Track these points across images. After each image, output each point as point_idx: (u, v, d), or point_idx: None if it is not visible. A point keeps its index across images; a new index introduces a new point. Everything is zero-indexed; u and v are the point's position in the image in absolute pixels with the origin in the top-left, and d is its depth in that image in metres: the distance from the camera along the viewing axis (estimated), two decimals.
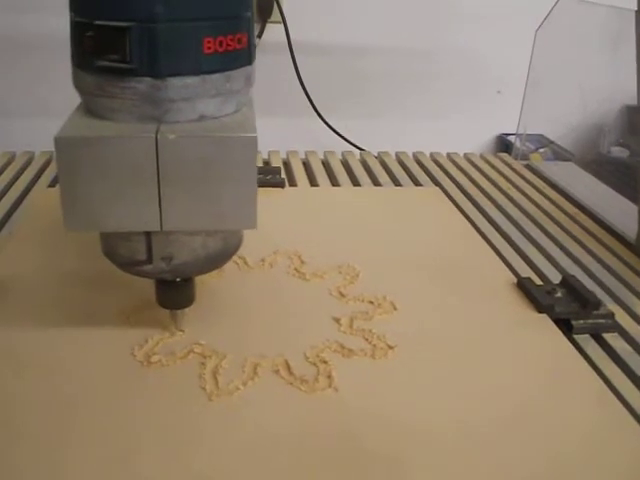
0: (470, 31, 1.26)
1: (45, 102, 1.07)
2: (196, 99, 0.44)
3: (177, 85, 0.43)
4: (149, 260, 0.48)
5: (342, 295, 0.59)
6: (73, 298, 0.58)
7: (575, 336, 0.57)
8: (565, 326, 0.58)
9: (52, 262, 0.63)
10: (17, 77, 1.09)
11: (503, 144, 1.32)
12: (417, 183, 0.91)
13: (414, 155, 1.02)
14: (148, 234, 0.47)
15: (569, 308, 0.59)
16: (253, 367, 0.50)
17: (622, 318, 0.60)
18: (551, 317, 0.58)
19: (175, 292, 0.51)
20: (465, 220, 0.77)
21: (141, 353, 0.51)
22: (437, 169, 0.97)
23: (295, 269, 0.63)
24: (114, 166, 0.43)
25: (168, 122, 0.44)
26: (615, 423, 0.47)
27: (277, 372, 0.50)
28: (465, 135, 1.28)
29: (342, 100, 1.26)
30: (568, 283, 0.61)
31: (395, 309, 0.58)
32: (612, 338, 0.58)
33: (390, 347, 0.53)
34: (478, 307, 0.59)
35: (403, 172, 0.95)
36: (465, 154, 1.04)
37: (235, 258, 0.63)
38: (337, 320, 0.56)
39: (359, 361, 0.51)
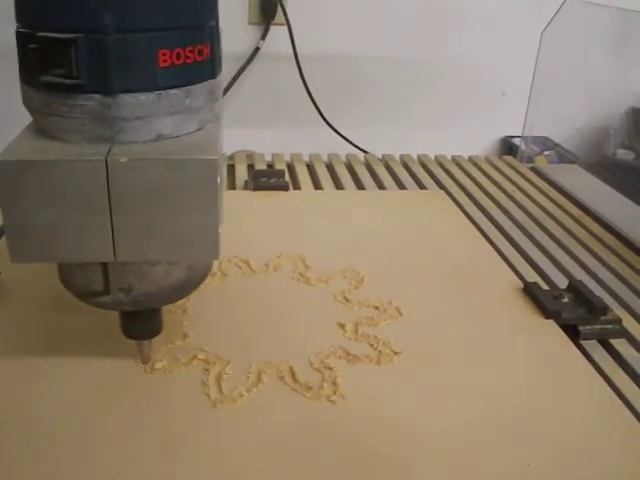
0: (475, 34, 1.25)
1: None
2: (152, 117, 0.40)
3: (130, 102, 0.39)
4: (106, 291, 0.44)
5: (347, 300, 0.59)
6: (76, 302, 0.57)
7: (582, 342, 0.57)
8: (572, 332, 0.57)
9: (51, 266, 0.62)
10: None
11: (507, 146, 1.31)
12: (422, 186, 0.90)
13: (419, 158, 1.02)
14: (104, 264, 0.44)
15: (576, 314, 0.58)
16: (257, 373, 0.49)
17: (630, 324, 0.59)
18: (558, 323, 0.57)
19: (139, 323, 0.48)
20: (470, 223, 0.77)
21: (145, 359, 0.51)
22: (442, 172, 0.96)
23: (300, 273, 0.62)
24: (62, 192, 0.39)
25: (122, 142, 0.40)
26: (622, 428, 0.47)
27: (282, 379, 0.49)
28: (469, 138, 1.27)
29: (345, 105, 1.25)
30: (575, 288, 0.61)
31: (400, 314, 0.57)
32: (619, 344, 0.57)
33: (395, 353, 0.52)
34: (484, 312, 0.59)
35: (408, 175, 0.94)
36: (470, 157, 1.03)
37: (239, 262, 0.63)
38: (342, 326, 0.55)
39: (364, 367, 0.51)
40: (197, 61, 0.41)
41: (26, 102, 0.42)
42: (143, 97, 0.39)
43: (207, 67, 0.42)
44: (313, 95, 1.22)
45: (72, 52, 0.37)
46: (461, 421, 0.46)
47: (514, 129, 1.22)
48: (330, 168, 0.96)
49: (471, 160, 1.03)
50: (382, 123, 1.25)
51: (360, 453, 0.43)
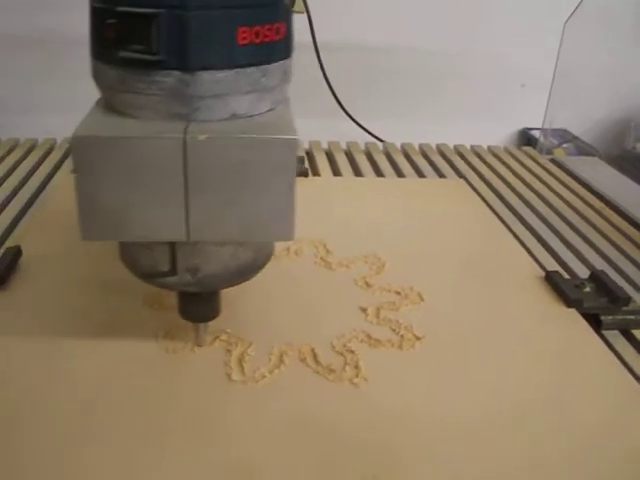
0: (494, 25, 1.24)
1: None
2: (229, 96, 0.40)
3: (208, 80, 0.39)
4: (173, 272, 0.44)
5: (368, 285, 0.59)
6: (96, 283, 0.57)
7: (604, 332, 0.57)
8: (594, 321, 0.57)
9: (76, 246, 0.63)
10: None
11: (525, 138, 1.30)
12: (441, 175, 0.90)
13: (437, 147, 1.02)
14: (172, 244, 0.43)
15: (598, 303, 0.58)
16: (279, 355, 0.49)
17: None
18: (579, 312, 0.57)
19: (199, 304, 0.48)
20: (491, 212, 0.77)
21: (166, 340, 0.51)
22: (461, 161, 0.96)
23: (321, 258, 0.62)
24: (137, 169, 0.39)
25: (197, 121, 0.40)
26: None
27: (304, 361, 0.49)
28: (488, 129, 1.26)
29: (365, 95, 1.25)
30: (597, 278, 0.61)
31: (422, 300, 0.57)
32: None
33: (417, 338, 0.52)
34: (505, 299, 0.59)
35: (427, 164, 0.94)
36: (489, 147, 1.03)
37: None
38: (364, 310, 0.55)
39: (386, 352, 0.51)
40: (274, 40, 0.40)
41: (98, 79, 0.42)
42: (221, 75, 0.39)
43: (282, 46, 0.42)
44: (332, 85, 1.21)
45: (153, 27, 0.37)
46: (481, 405, 0.46)
47: (533, 121, 1.22)
48: (349, 156, 0.96)
49: (490, 150, 1.02)
50: (401, 114, 1.24)
51: (380, 434, 0.43)
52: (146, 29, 0.37)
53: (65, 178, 0.81)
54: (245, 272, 0.46)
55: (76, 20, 0.97)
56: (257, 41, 0.39)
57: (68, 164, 0.87)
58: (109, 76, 0.40)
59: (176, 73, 0.38)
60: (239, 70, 0.39)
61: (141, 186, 0.40)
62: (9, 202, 0.75)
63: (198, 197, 0.40)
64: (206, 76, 0.39)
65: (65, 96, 1.08)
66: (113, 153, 0.39)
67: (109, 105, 0.42)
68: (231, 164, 0.39)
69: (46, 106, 1.08)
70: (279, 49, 0.41)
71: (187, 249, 0.43)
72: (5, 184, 0.80)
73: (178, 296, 0.48)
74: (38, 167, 0.86)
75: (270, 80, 0.41)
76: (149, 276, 0.45)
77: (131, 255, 0.46)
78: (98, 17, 0.39)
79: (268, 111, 0.43)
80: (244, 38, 0.39)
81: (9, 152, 0.90)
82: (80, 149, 0.39)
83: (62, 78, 1.06)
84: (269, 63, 0.41)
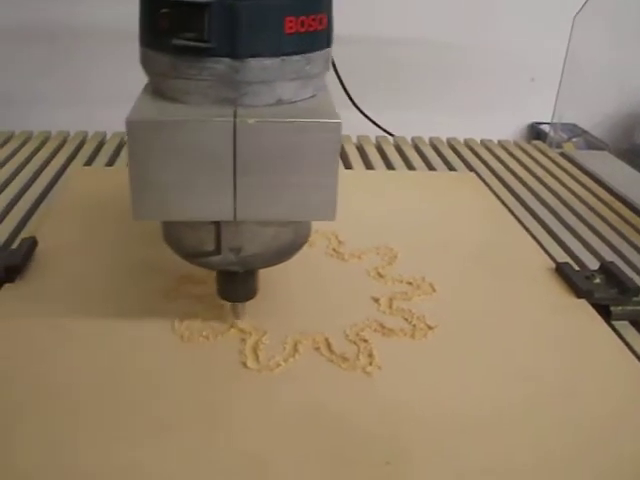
0: (504, 19, 1.25)
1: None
2: (275, 82, 0.42)
3: (256, 67, 0.41)
4: (217, 251, 0.46)
5: (380, 276, 0.59)
6: (112, 272, 0.58)
7: (614, 322, 0.57)
8: (604, 312, 0.57)
9: (91, 236, 0.64)
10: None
11: (535, 132, 1.31)
12: (451, 168, 0.91)
13: (448, 141, 1.02)
14: (218, 224, 0.45)
15: (608, 294, 0.59)
16: (294, 344, 0.50)
17: None
18: (590, 303, 0.58)
19: (239, 284, 0.50)
20: (501, 205, 0.77)
21: (181, 328, 0.51)
22: (471, 155, 0.97)
23: (333, 249, 0.63)
24: (188, 152, 0.41)
25: (244, 105, 0.42)
26: None
27: (318, 349, 0.50)
28: (497, 123, 1.27)
29: (374, 88, 1.25)
30: (607, 269, 0.61)
31: (434, 290, 0.58)
32: None
33: (430, 328, 0.53)
34: (516, 290, 0.59)
35: (437, 157, 0.94)
36: (499, 141, 1.04)
37: None
38: (376, 300, 0.56)
39: (399, 341, 0.52)
40: (317, 29, 0.42)
41: (148, 66, 0.44)
42: (269, 62, 0.41)
43: (324, 36, 0.44)
44: (342, 78, 1.22)
45: (205, 16, 0.39)
46: (493, 399, 0.47)
47: (542, 115, 1.22)
48: (360, 149, 0.96)
49: (500, 144, 1.03)
50: (410, 107, 1.25)
51: (394, 422, 0.44)
52: (199, 18, 0.39)
53: (79, 170, 0.82)
54: (285, 252, 0.48)
55: (85, 13, 0.98)
56: (302, 30, 0.41)
57: (81, 156, 0.88)
58: (160, 63, 0.42)
59: (226, 60, 0.40)
60: (285, 58, 0.41)
61: (191, 168, 0.42)
62: (24, 193, 0.76)
63: (246, 178, 0.42)
64: (254, 63, 0.41)
65: (73, 89, 1.09)
66: (165, 136, 0.41)
67: (158, 91, 0.44)
68: (278, 147, 0.42)
69: (54, 99, 1.08)
70: (322, 38, 0.43)
71: (231, 229, 0.45)
72: (19, 176, 0.80)
73: (217, 276, 0.50)
74: (52, 159, 0.87)
75: (313, 68, 0.43)
76: (193, 255, 0.47)
77: (176, 235, 0.48)
78: (151, 7, 0.41)
79: (310, 97, 0.45)
80: (290, 27, 0.41)
81: (23, 144, 0.91)
82: (134, 133, 0.41)
83: (71, 71, 1.07)
84: (312, 52, 0.43)
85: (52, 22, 1.05)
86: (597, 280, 0.60)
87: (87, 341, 0.50)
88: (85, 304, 0.54)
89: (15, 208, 0.72)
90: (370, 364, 0.49)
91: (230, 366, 0.48)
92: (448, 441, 0.43)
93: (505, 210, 0.76)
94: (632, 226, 0.77)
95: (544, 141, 1.07)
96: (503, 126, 1.30)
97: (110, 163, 0.86)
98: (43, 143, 0.92)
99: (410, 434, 0.43)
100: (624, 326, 0.57)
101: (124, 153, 0.89)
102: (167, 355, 0.49)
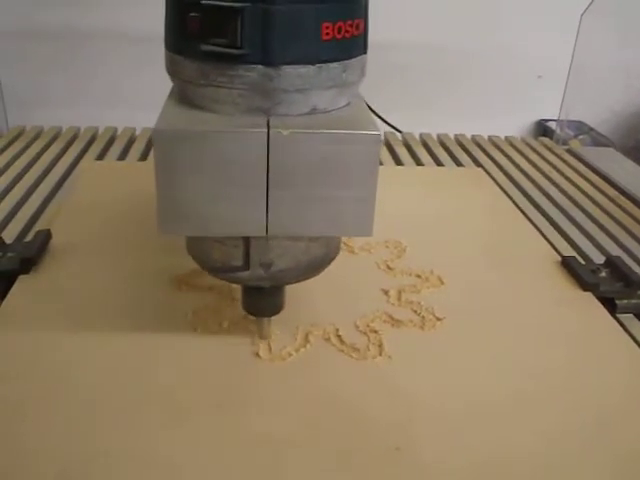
0: (511, 16, 1.25)
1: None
2: (311, 90, 0.39)
3: (292, 74, 0.38)
4: (246, 266, 0.44)
5: (390, 268, 0.60)
6: (125, 265, 0.59)
7: (619, 315, 0.58)
8: (609, 305, 0.58)
9: (103, 230, 0.65)
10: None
11: (541, 129, 1.31)
12: (459, 164, 0.91)
13: (455, 137, 1.03)
14: (247, 238, 0.43)
15: (613, 287, 0.59)
16: (305, 335, 0.51)
17: None
18: (595, 296, 0.59)
19: (265, 299, 0.48)
20: (508, 200, 0.78)
21: (195, 319, 0.52)
22: (479, 151, 0.97)
23: (343, 242, 0.64)
24: (219, 163, 0.39)
25: (277, 115, 0.40)
26: None
27: (328, 340, 0.51)
28: (504, 120, 1.27)
29: (382, 87, 1.26)
30: (613, 263, 0.62)
31: (442, 283, 0.59)
32: None
33: (438, 319, 0.54)
34: (523, 283, 0.60)
35: (445, 153, 0.95)
36: (506, 137, 1.04)
37: None
38: (386, 292, 0.57)
39: (408, 332, 0.52)
40: (354, 35, 0.40)
41: (175, 72, 0.42)
42: (304, 70, 0.39)
43: (361, 42, 0.42)
44: None
45: (238, 21, 0.37)
46: (500, 388, 0.48)
47: (549, 112, 1.22)
48: None
49: (508, 140, 1.03)
50: (419, 106, 1.25)
51: (404, 411, 0.45)
52: (231, 23, 0.37)
53: (91, 164, 0.83)
54: (315, 267, 0.46)
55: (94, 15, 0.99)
56: (339, 37, 0.39)
57: (92, 151, 0.89)
58: (188, 69, 0.40)
59: (260, 67, 0.38)
60: (322, 65, 0.39)
61: (222, 181, 0.40)
62: (36, 187, 0.77)
63: (279, 192, 0.40)
64: (290, 70, 0.39)
65: (80, 88, 1.10)
66: (195, 147, 0.39)
67: (185, 98, 0.42)
68: (315, 159, 0.39)
69: (63, 97, 1.09)
70: (359, 44, 0.41)
71: (261, 244, 0.43)
72: (31, 170, 0.82)
73: (243, 291, 0.48)
74: (63, 154, 0.88)
75: (350, 75, 0.41)
76: (220, 271, 0.45)
77: (202, 249, 0.46)
78: (180, 11, 0.39)
79: (345, 106, 0.42)
80: (327, 34, 0.38)
81: (34, 139, 0.92)
82: (161, 143, 0.39)
83: (77, 71, 1.08)
84: (350, 58, 0.41)
85: (61, 23, 1.06)
86: (602, 274, 0.61)
87: (101, 331, 0.51)
88: (98, 295, 0.55)
89: (28, 201, 0.73)
90: (380, 354, 0.50)
91: (243, 356, 0.49)
92: (456, 429, 0.44)
93: (512, 205, 0.77)
94: (637, 221, 0.77)
95: (551, 138, 1.08)
96: (510, 123, 1.30)
97: (121, 158, 0.87)
98: (55, 138, 0.93)
99: (419, 421, 0.44)
100: (629, 319, 0.58)
101: (134, 149, 0.90)
102: (181, 346, 0.50)
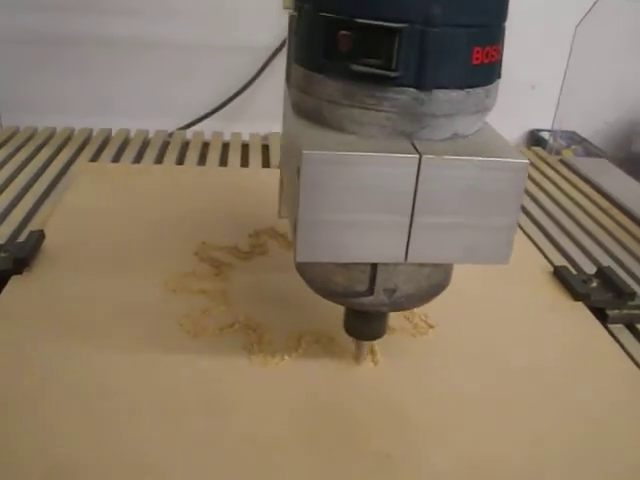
0: (507, 27, 1.26)
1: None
2: (457, 115, 0.39)
3: (442, 99, 0.37)
4: (370, 292, 0.42)
5: None
6: (118, 267, 0.59)
7: (610, 325, 0.58)
8: (600, 315, 0.59)
9: (96, 231, 0.65)
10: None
11: (534, 139, 1.32)
12: None
13: None
14: (375, 264, 0.42)
15: (604, 298, 0.60)
16: (297, 339, 0.51)
17: None
18: (587, 305, 0.59)
19: (372, 323, 0.47)
20: None
21: (188, 323, 0.52)
22: None
23: None
24: (364, 188, 0.38)
25: (420, 139, 0.39)
26: None
27: (320, 344, 0.51)
28: (497, 129, 1.28)
29: None
30: (604, 273, 0.62)
31: None
32: None
33: (430, 327, 0.54)
34: (516, 292, 0.60)
35: None
36: None
37: (277, 237, 0.65)
38: None
39: (400, 338, 0.53)
40: (496, 60, 0.40)
41: (311, 91, 0.40)
42: (454, 94, 0.38)
43: (499, 66, 0.41)
44: None
45: (395, 42, 0.35)
46: (491, 395, 0.48)
47: (542, 122, 1.23)
48: None
49: None
50: None
51: (395, 415, 0.45)
52: (387, 44, 0.36)
53: (84, 165, 0.83)
54: (433, 293, 0.45)
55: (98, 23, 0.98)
56: (486, 61, 0.38)
57: (87, 152, 0.89)
58: (331, 89, 0.39)
59: (411, 90, 0.37)
60: (470, 90, 0.38)
61: (366, 205, 0.38)
62: (30, 188, 0.77)
63: (423, 218, 0.39)
64: (440, 95, 0.37)
65: (68, 93, 1.10)
66: (344, 171, 0.37)
67: (319, 118, 0.40)
68: (461, 185, 0.38)
69: (50, 103, 1.09)
70: (498, 69, 0.41)
71: (389, 269, 0.42)
72: (25, 171, 0.81)
73: (347, 313, 0.47)
74: (57, 155, 0.88)
75: (490, 100, 0.40)
76: (341, 295, 0.44)
77: (321, 273, 0.44)
78: (328, 27, 0.37)
79: (478, 131, 0.42)
80: (477, 58, 0.38)
81: (28, 140, 0.92)
82: (311, 167, 0.37)
83: (67, 75, 1.08)
84: (491, 83, 0.40)
85: (51, 27, 1.05)
86: (594, 284, 0.61)
87: (93, 333, 0.51)
88: (91, 298, 0.55)
89: (21, 202, 0.73)
90: (372, 360, 0.50)
91: (235, 360, 0.49)
92: (447, 436, 0.44)
93: None
94: (628, 232, 0.78)
95: (544, 148, 1.08)
96: (503, 132, 1.30)
97: (115, 161, 0.87)
98: (49, 139, 0.93)
99: (410, 428, 0.44)
100: (620, 329, 0.58)
101: (129, 152, 0.90)
102: (174, 350, 0.50)
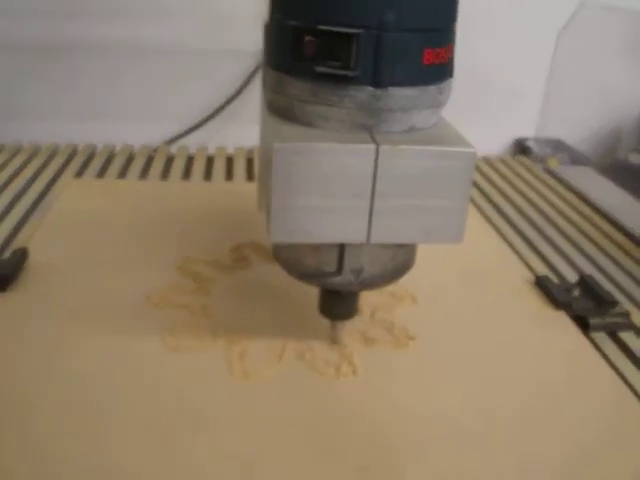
0: (489, 34, 1.26)
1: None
2: (412, 110, 0.43)
3: (397, 95, 0.42)
4: (338, 272, 0.47)
5: None
6: (101, 283, 0.59)
7: (592, 334, 0.59)
8: (582, 324, 0.59)
9: (81, 248, 0.65)
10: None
11: (520, 148, 1.32)
12: None
13: None
14: (342, 245, 0.46)
15: (586, 306, 0.60)
16: (279, 352, 0.51)
17: (638, 318, 0.61)
18: (568, 314, 0.59)
19: (343, 303, 0.51)
20: (483, 219, 0.79)
21: (170, 338, 0.53)
22: None
23: None
24: (330, 176, 0.42)
25: (380, 132, 0.43)
26: (631, 418, 0.48)
27: (301, 357, 0.51)
28: (482, 138, 1.27)
29: None
30: (585, 282, 0.63)
31: (415, 302, 0.59)
32: (628, 337, 0.59)
33: (411, 338, 0.54)
34: (497, 303, 0.61)
35: None
36: (483, 157, 1.05)
37: (259, 250, 0.65)
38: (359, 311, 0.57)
39: (380, 350, 0.53)
40: (448, 59, 0.44)
41: (280, 91, 0.44)
42: (409, 91, 0.42)
43: (452, 65, 0.45)
44: None
45: (353, 46, 0.40)
46: (472, 404, 0.48)
47: (527, 131, 1.23)
48: None
49: (485, 159, 1.04)
50: None
51: (374, 430, 0.45)
52: (346, 47, 0.40)
53: (69, 181, 0.83)
54: (398, 273, 0.49)
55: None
56: (437, 61, 0.43)
57: (72, 167, 0.89)
58: (299, 89, 0.43)
59: (369, 88, 0.41)
60: (423, 87, 0.43)
61: (332, 191, 0.42)
62: (14, 204, 0.77)
63: (382, 202, 0.43)
64: (396, 92, 0.42)
65: (55, 102, 1.10)
66: (312, 160, 0.42)
67: (290, 115, 0.45)
68: (416, 172, 0.42)
69: (36, 112, 1.09)
70: (450, 68, 0.45)
71: (355, 251, 0.46)
72: (10, 187, 0.82)
73: (321, 295, 0.51)
74: (42, 170, 0.88)
75: (444, 97, 0.45)
76: (311, 276, 0.48)
77: (294, 256, 0.48)
78: (294, 34, 0.42)
79: (434, 124, 0.46)
80: (428, 59, 0.42)
81: (13, 156, 0.92)
82: (281, 157, 0.41)
83: (53, 83, 1.08)
84: (444, 81, 0.44)
85: (38, 34, 1.05)
86: (576, 293, 0.62)
87: (76, 352, 0.51)
88: (74, 313, 0.55)
89: (5, 219, 0.73)
90: (352, 372, 0.50)
91: (217, 374, 0.49)
92: (427, 448, 0.44)
93: (486, 224, 0.77)
94: (611, 239, 0.78)
95: (529, 156, 1.09)
96: (488, 141, 1.30)
97: (100, 175, 0.88)
98: (34, 154, 0.93)
99: (390, 440, 0.44)
100: (602, 337, 0.58)
101: (114, 166, 0.90)
102: (155, 364, 0.50)
